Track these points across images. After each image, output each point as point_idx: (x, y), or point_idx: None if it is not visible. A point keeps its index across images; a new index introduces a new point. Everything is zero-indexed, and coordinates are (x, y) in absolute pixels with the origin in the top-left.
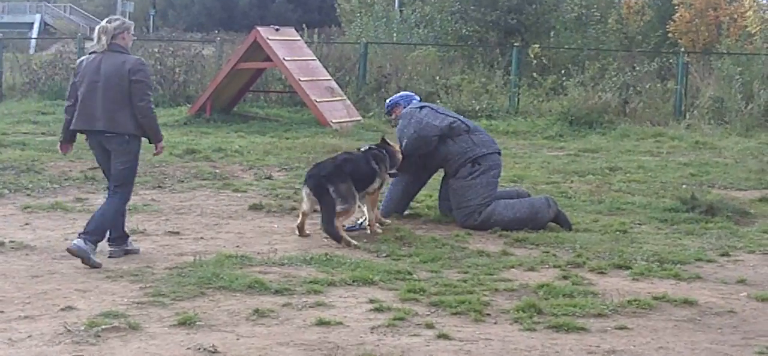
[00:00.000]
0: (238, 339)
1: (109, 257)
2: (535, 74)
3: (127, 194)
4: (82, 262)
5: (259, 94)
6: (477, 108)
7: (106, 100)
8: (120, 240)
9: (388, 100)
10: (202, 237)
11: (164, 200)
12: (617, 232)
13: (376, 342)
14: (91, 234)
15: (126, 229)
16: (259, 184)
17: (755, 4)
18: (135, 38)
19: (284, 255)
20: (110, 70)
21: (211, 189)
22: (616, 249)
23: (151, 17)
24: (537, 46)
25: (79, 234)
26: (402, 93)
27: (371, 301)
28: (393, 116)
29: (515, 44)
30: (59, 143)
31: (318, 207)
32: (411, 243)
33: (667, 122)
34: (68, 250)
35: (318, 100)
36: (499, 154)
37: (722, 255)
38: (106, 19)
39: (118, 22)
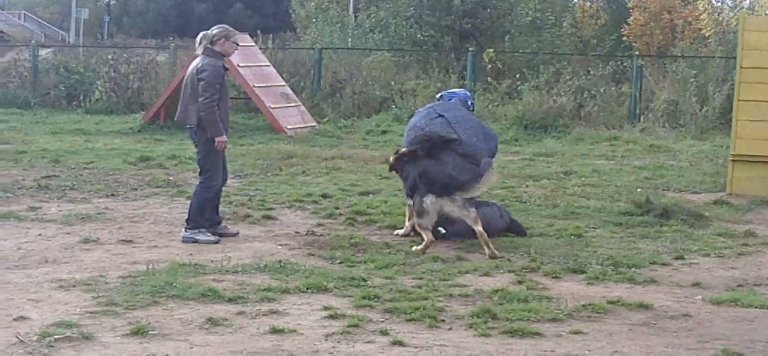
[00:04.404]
0: (191, 348)
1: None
2: (489, 79)
3: (208, 181)
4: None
5: None
6: None
7: (184, 95)
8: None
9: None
10: (155, 246)
11: (117, 208)
12: (572, 236)
13: (331, 349)
14: (189, 221)
15: (219, 214)
16: None
17: (709, 6)
18: (237, 46)
19: (238, 263)
20: (192, 69)
21: (164, 197)
22: (571, 254)
23: (106, 24)
24: (492, 50)
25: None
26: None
27: (325, 308)
28: None
29: (470, 49)
30: None
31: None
32: (365, 249)
33: (621, 126)
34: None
35: (272, 106)
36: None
37: (677, 258)
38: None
39: (217, 30)
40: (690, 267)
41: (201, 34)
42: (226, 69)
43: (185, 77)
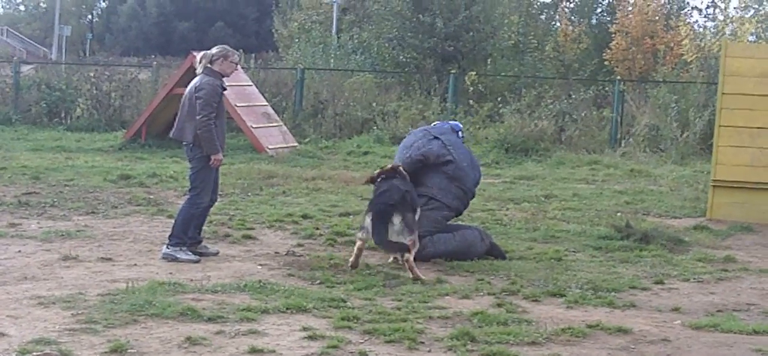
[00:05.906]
0: None
1: (163, 257)
2: (471, 101)
3: (196, 198)
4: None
5: None
6: None
7: (182, 113)
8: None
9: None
10: (135, 264)
11: (97, 226)
12: (552, 260)
13: None
14: (172, 237)
15: (201, 234)
16: None
17: (691, 32)
18: (236, 66)
19: (217, 283)
20: (190, 88)
21: (144, 216)
22: (551, 277)
23: (88, 41)
24: (474, 73)
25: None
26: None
27: (304, 329)
28: None
29: (452, 71)
30: None
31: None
32: (345, 270)
33: (602, 150)
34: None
35: (254, 125)
36: (466, 206)
37: (657, 283)
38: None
39: (216, 50)
40: (669, 292)
41: (201, 54)
42: (224, 88)
43: (183, 95)
